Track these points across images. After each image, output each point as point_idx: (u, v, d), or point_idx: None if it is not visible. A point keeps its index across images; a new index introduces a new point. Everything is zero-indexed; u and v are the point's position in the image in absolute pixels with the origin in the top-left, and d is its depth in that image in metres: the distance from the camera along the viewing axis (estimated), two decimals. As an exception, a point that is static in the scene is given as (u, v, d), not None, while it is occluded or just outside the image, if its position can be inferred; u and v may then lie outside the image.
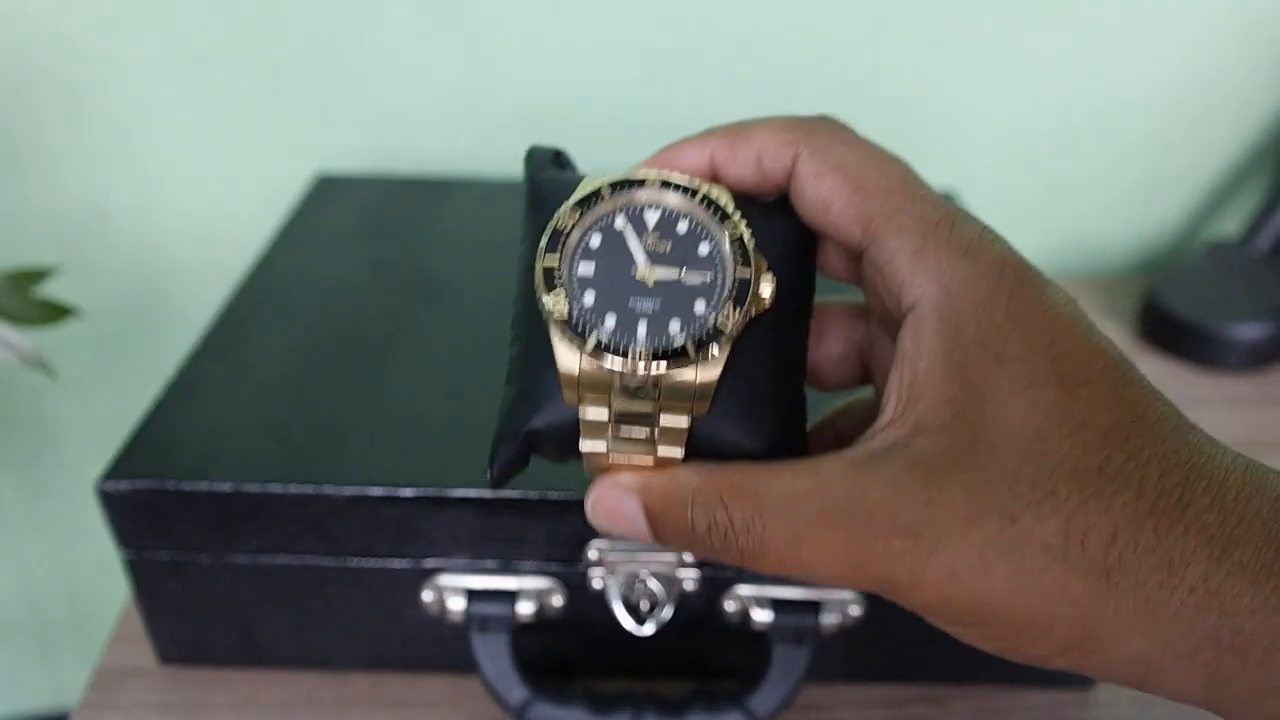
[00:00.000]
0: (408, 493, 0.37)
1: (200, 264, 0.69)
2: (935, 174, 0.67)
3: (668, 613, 0.39)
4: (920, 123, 0.66)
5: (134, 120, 0.63)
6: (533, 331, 0.24)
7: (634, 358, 0.22)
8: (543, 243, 0.23)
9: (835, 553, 0.21)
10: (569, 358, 0.22)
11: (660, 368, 0.22)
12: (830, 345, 0.27)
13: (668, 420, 0.23)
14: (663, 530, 0.23)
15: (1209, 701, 0.20)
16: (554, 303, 0.22)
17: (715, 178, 0.25)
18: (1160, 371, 0.62)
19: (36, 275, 0.51)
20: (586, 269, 0.23)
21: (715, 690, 0.39)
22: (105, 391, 0.73)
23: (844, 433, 0.27)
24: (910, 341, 0.22)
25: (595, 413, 0.23)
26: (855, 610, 0.39)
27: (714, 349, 0.22)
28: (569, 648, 0.42)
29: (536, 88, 0.63)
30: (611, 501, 0.23)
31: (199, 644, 0.42)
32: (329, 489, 0.37)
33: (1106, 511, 0.20)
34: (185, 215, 0.67)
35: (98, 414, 0.74)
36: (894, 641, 0.42)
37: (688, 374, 0.22)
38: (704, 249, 0.23)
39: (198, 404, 0.41)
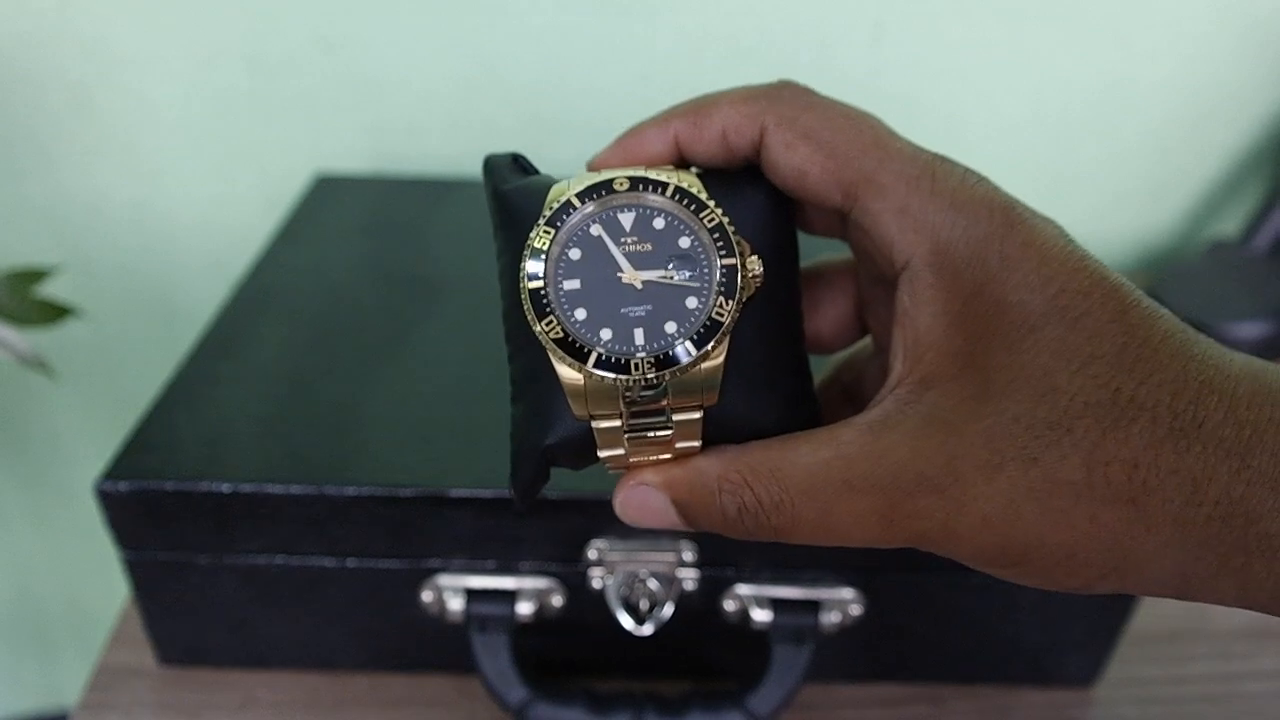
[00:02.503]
0: (408, 493, 0.37)
1: (200, 264, 0.69)
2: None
3: (667, 612, 0.39)
4: (920, 122, 0.66)
5: (135, 120, 0.63)
6: (530, 348, 0.23)
7: (636, 369, 0.22)
8: (524, 267, 0.22)
9: (865, 518, 0.21)
10: (572, 376, 0.22)
11: (663, 374, 0.22)
12: (826, 310, 0.27)
13: (680, 416, 0.23)
14: (694, 519, 0.23)
15: (1242, 602, 0.20)
16: (547, 326, 0.22)
17: (682, 161, 0.24)
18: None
19: (36, 275, 0.51)
20: (572, 284, 0.22)
21: (715, 690, 0.39)
22: (105, 391, 0.73)
23: (849, 385, 0.28)
24: (908, 300, 0.22)
25: (607, 422, 0.23)
26: (855, 610, 0.39)
27: (713, 343, 0.22)
28: (569, 648, 0.42)
29: (536, 88, 0.63)
30: (639, 499, 0.23)
31: (198, 644, 0.42)
32: (329, 489, 0.37)
33: (1125, 441, 0.19)
34: (185, 215, 0.67)
35: (98, 414, 0.74)
36: (894, 641, 0.42)
37: (691, 371, 0.22)
38: (684, 243, 0.23)
39: (197, 404, 0.41)
